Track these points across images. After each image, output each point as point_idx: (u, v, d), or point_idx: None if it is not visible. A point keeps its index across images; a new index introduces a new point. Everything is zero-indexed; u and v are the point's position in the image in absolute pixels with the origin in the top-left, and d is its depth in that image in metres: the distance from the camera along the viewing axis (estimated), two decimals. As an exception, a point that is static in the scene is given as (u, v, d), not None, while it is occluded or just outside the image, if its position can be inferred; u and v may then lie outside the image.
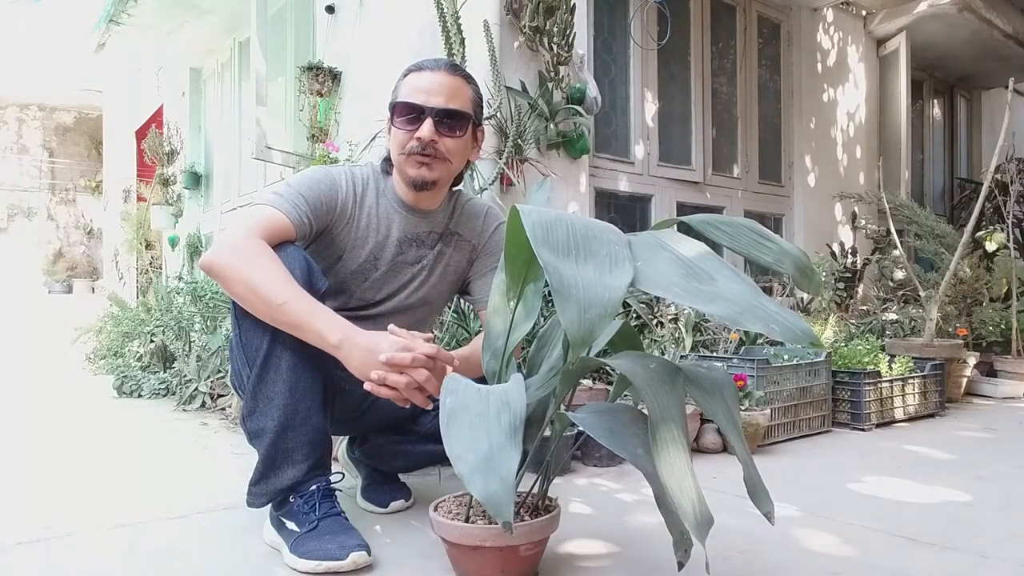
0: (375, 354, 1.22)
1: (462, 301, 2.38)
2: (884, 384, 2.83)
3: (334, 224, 1.49)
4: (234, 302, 1.37)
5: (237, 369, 1.46)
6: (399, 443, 1.64)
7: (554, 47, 3.19)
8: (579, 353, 0.92)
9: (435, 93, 1.44)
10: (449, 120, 1.45)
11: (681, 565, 1.10)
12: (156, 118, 6.74)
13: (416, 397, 1.24)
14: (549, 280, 0.90)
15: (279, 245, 1.35)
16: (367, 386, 1.23)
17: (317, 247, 1.50)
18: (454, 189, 1.64)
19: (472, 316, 2.47)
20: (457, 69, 1.50)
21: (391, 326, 1.29)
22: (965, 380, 3.51)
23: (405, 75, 1.50)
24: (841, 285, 4.10)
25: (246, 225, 1.35)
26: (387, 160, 1.56)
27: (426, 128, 1.43)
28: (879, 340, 3.38)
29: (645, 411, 1.03)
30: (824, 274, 4.01)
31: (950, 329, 3.81)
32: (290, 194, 1.42)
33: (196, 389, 3.24)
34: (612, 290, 0.92)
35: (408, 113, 1.45)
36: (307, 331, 1.26)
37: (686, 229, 1.14)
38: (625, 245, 0.99)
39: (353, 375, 1.26)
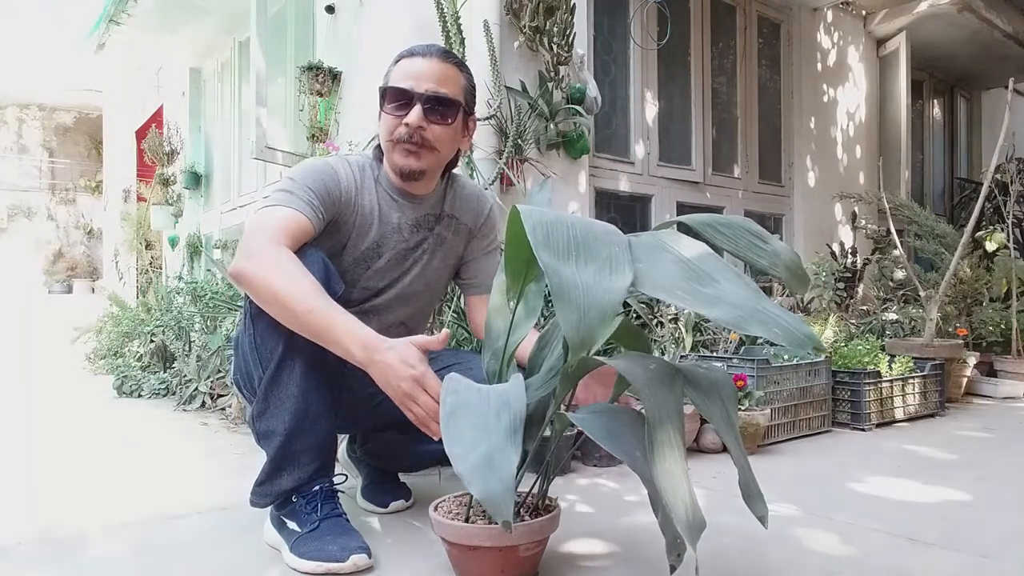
0: (397, 375, 1.20)
1: (462, 301, 2.38)
2: (884, 384, 2.83)
3: (340, 213, 1.48)
4: (249, 302, 1.36)
5: (244, 369, 1.45)
6: (403, 442, 1.63)
7: (554, 47, 3.19)
8: (578, 356, 0.92)
9: (424, 79, 1.43)
10: (438, 107, 1.43)
11: (673, 568, 1.10)
12: (156, 118, 6.74)
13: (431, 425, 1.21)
14: (549, 283, 0.90)
15: (299, 248, 1.34)
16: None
17: (321, 236, 1.47)
18: (450, 172, 1.63)
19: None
20: (449, 56, 1.48)
21: (415, 337, 1.26)
22: (965, 380, 3.51)
23: (397, 60, 1.49)
24: (841, 285, 4.10)
25: (269, 231, 1.33)
26: (379, 147, 1.55)
27: (414, 114, 1.42)
28: (879, 340, 3.38)
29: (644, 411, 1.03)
30: (824, 274, 4.01)
31: (950, 329, 3.80)
32: (300, 190, 1.40)
33: (196, 389, 3.24)
34: (611, 293, 0.91)
35: (397, 99, 1.43)
36: (330, 343, 1.25)
37: (686, 230, 1.14)
38: (625, 247, 0.98)
39: (359, 375, 1.27)
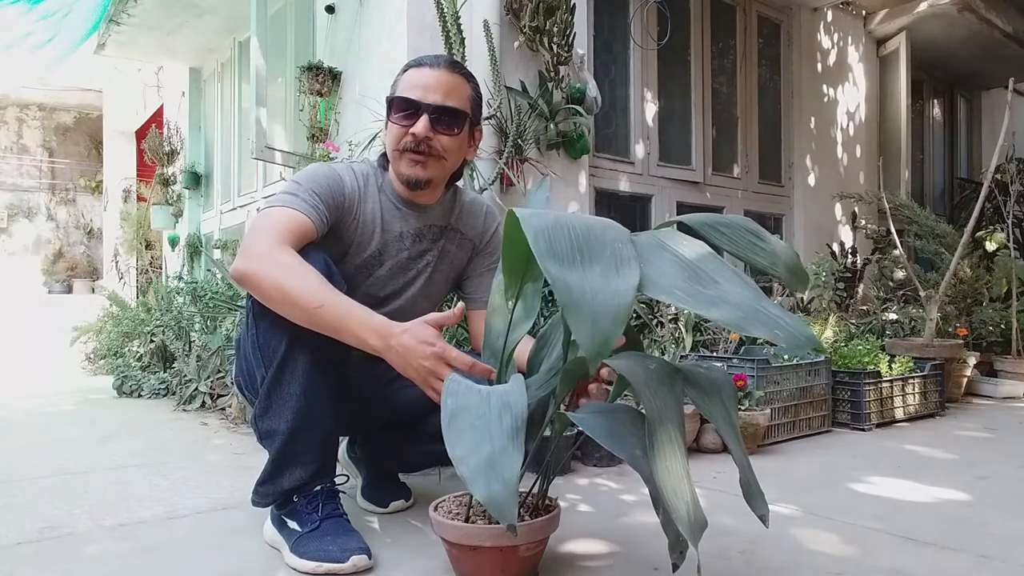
0: (416, 355, 1.19)
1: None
2: (884, 384, 2.83)
3: (342, 219, 1.48)
4: (252, 302, 1.36)
5: (246, 369, 1.45)
6: (403, 443, 1.64)
7: (554, 47, 3.19)
8: (595, 365, 0.90)
9: (432, 89, 1.43)
10: (445, 117, 1.44)
11: (676, 567, 1.10)
12: (156, 118, 6.74)
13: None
14: (557, 295, 0.88)
15: (302, 249, 1.34)
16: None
17: (323, 242, 1.47)
18: (455, 184, 1.64)
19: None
20: (457, 67, 1.49)
21: (429, 315, 1.26)
22: (965, 380, 3.51)
23: (405, 70, 1.49)
24: (841, 285, 4.10)
25: (272, 231, 1.33)
26: (385, 155, 1.56)
27: (421, 124, 1.42)
28: (879, 340, 3.38)
29: (644, 411, 1.03)
30: (824, 274, 4.01)
31: (950, 329, 3.80)
32: (304, 193, 1.40)
33: (196, 389, 3.24)
34: (621, 295, 0.90)
35: (404, 109, 1.44)
36: (344, 334, 1.25)
37: (685, 230, 1.13)
38: (628, 241, 0.97)
39: (361, 375, 1.27)
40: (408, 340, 1.20)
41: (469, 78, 1.51)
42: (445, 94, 1.44)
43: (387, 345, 1.21)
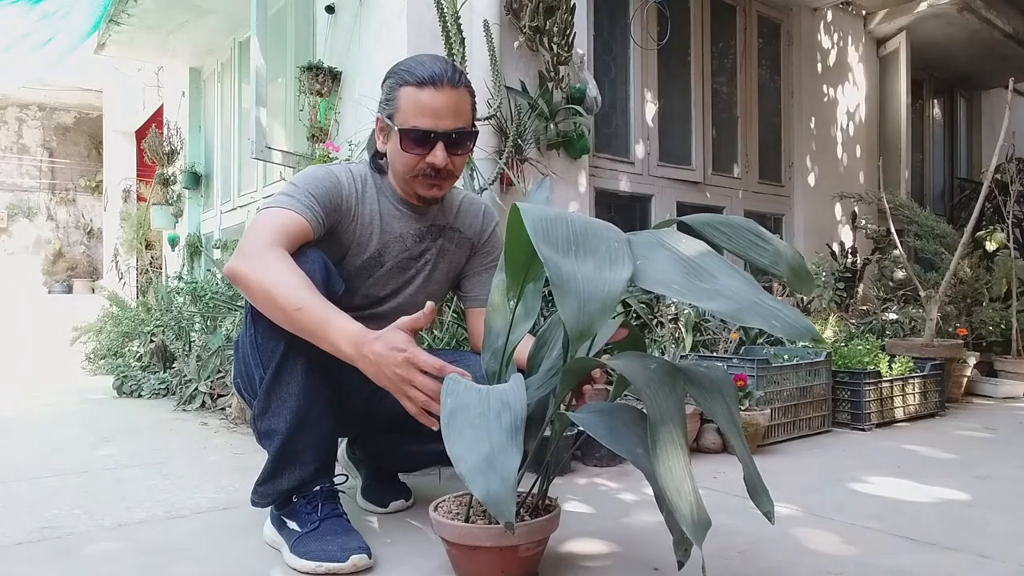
0: (388, 362, 1.16)
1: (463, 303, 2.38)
2: (884, 384, 2.83)
3: (340, 221, 1.48)
4: (249, 303, 1.37)
5: (244, 370, 1.45)
6: (403, 443, 1.64)
7: (554, 47, 3.19)
8: (578, 347, 0.92)
9: (443, 115, 1.41)
10: (459, 140, 1.45)
11: (681, 564, 1.10)
12: (156, 118, 6.74)
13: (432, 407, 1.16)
14: (549, 274, 0.90)
15: (298, 249, 1.34)
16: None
17: (321, 244, 1.47)
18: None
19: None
20: (458, 78, 1.45)
21: (400, 320, 1.22)
22: (965, 380, 3.51)
23: (405, 84, 1.44)
24: (841, 285, 4.10)
25: (267, 232, 1.33)
26: (376, 157, 1.55)
27: (440, 155, 1.42)
28: (879, 340, 3.38)
29: (645, 411, 1.03)
30: (824, 274, 4.01)
31: (950, 329, 3.80)
32: (301, 194, 1.40)
33: (196, 389, 3.24)
34: (612, 284, 0.91)
35: (418, 138, 1.42)
36: (321, 340, 1.24)
37: (686, 229, 1.13)
38: (625, 243, 0.98)
39: (359, 374, 1.26)
40: (380, 348, 1.17)
41: (468, 86, 1.49)
42: (455, 117, 1.42)
43: (360, 354, 1.18)
